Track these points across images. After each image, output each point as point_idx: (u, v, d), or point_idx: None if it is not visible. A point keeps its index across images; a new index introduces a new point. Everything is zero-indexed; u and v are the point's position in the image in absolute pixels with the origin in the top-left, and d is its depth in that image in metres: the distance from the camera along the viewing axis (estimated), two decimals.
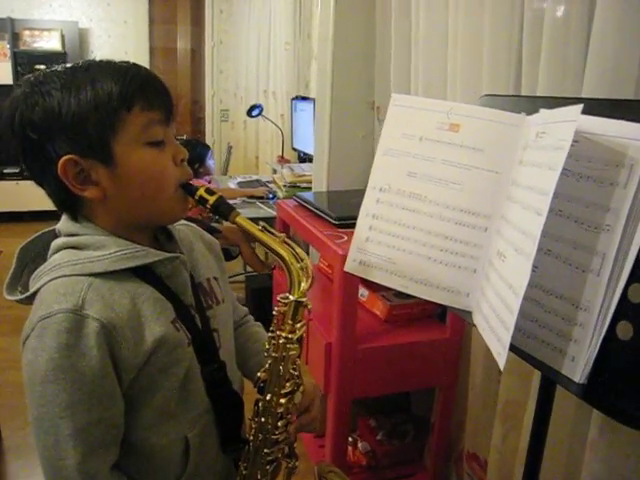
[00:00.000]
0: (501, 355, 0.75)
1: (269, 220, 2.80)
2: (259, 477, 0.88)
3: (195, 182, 3.05)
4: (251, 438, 0.88)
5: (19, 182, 5.16)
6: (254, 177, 3.91)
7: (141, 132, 0.77)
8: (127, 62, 0.81)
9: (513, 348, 0.85)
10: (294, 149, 3.81)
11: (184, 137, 5.69)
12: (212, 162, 3.49)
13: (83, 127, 0.75)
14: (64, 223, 0.84)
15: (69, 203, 0.81)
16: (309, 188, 2.75)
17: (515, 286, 0.76)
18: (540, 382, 0.95)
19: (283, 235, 0.87)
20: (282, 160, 3.80)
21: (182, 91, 6.44)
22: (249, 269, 3.43)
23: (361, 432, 1.98)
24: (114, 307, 0.76)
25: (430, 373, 1.74)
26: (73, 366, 0.72)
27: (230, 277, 3.84)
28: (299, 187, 2.90)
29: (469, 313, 0.96)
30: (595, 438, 1.14)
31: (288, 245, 0.86)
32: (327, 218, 1.83)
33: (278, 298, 0.86)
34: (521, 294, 0.72)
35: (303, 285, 0.84)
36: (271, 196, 3.16)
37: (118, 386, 0.77)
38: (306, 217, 1.93)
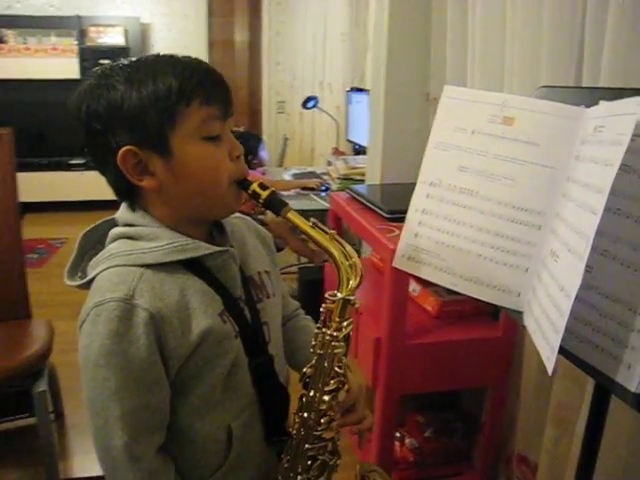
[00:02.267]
0: (550, 359, 0.72)
1: (322, 212, 2.81)
2: (300, 471, 0.88)
3: (249, 174, 3.04)
4: (294, 432, 0.88)
5: (84, 172, 5.35)
6: (309, 169, 3.92)
7: (198, 127, 0.79)
8: (189, 57, 0.82)
9: (566, 352, 0.82)
10: (349, 141, 3.79)
11: (241, 129, 5.75)
12: (265, 153, 3.52)
13: (143, 119, 0.77)
14: (122, 212, 0.86)
15: (127, 192, 0.84)
16: (362, 180, 2.73)
17: (567, 288, 0.73)
18: (594, 388, 0.91)
19: (334, 232, 0.86)
20: (337, 152, 3.79)
21: (240, 83, 6.51)
22: (302, 260, 3.44)
23: (409, 428, 1.96)
24: (163, 298, 0.79)
25: (481, 372, 1.70)
26: (122, 352, 0.75)
27: (282, 269, 3.86)
28: (352, 179, 2.89)
29: (520, 313, 0.93)
30: None
31: (338, 242, 0.85)
32: (379, 211, 1.81)
33: (326, 295, 0.85)
34: (572, 296, 0.69)
35: (351, 283, 0.83)
36: (324, 188, 3.16)
37: (164, 373, 0.79)
38: (358, 210, 1.92)
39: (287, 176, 3.66)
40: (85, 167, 5.37)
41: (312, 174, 3.64)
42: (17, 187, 2.02)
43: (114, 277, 0.78)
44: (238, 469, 0.88)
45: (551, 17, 1.35)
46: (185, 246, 0.82)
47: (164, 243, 0.81)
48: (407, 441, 1.88)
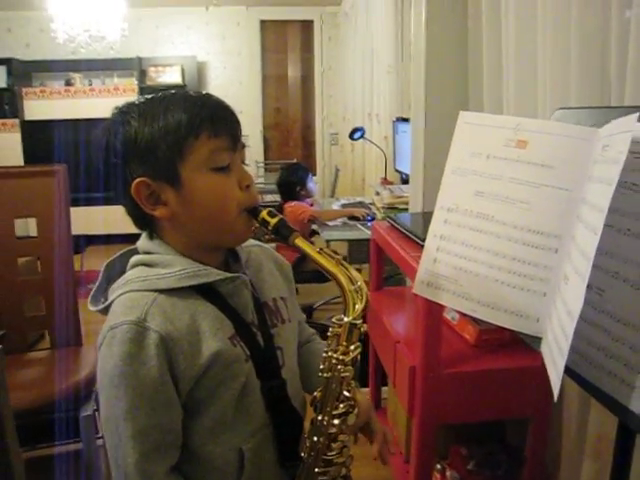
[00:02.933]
0: (556, 385, 0.71)
1: (365, 241, 2.81)
2: None
3: (297, 205, 3.18)
4: (305, 456, 0.89)
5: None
6: (357, 199, 3.95)
7: (207, 158, 0.83)
8: (200, 92, 0.87)
9: (580, 379, 0.79)
10: (397, 171, 3.80)
11: (294, 160, 5.86)
12: (313, 185, 3.57)
13: (154, 152, 0.81)
14: (142, 241, 0.91)
15: (144, 221, 0.89)
16: (406, 209, 2.73)
17: (572, 310, 0.71)
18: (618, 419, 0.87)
19: (340, 257, 0.87)
20: (385, 182, 3.81)
21: (294, 116, 6.66)
22: None
23: (452, 460, 1.91)
24: (174, 321, 0.82)
25: (521, 402, 1.64)
26: (135, 373, 0.78)
27: (332, 299, 3.85)
28: (397, 208, 2.89)
29: (539, 340, 0.91)
30: None
31: (344, 267, 0.86)
32: (416, 239, 1.81)
33: (333, 320, 0.86)
34: (576, 317, 0.68)
35: (357, 307, 0.84)
36: (370, 218, 3.17)
37: (176, 394, 0.82)
38: (397, 239, 1.92)
39: (336, 206, 3.70)
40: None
41: (360, 204, 3.66)
42: (70, 221, 2.13)
43: (128, 302, 0.82)
44: None
45: (579, 37, 1.34)
46: (197, 272, 0.85)
47: (177, 269, 0.84)
48: (448, 473, 1.83)
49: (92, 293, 0.92)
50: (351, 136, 3.88)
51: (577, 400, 1.46)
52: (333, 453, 0.87)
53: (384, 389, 2.35)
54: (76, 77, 5.74)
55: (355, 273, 0.85)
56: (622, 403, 0.72)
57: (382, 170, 4.00)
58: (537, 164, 0.92)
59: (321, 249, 0.87)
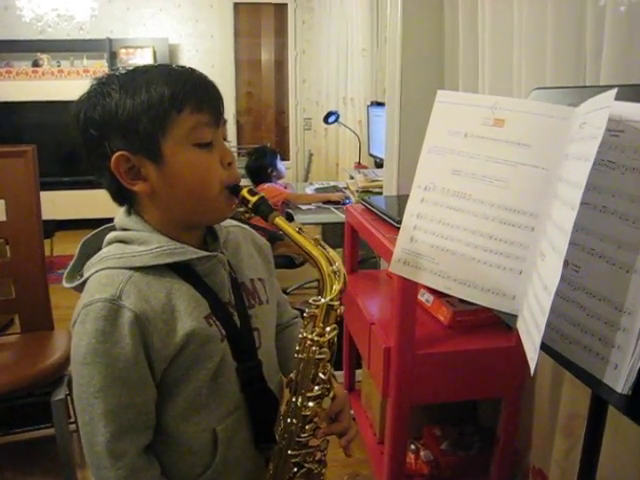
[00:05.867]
0: (533, 359, 0.71)
1: (340, 225, 2.81)
2: (285, 478, 0.88)
3: (271, 187, 3.15)
4: (278, 437, 0.88)
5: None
6: (331, 183, 3.95)
7: (190, 133, 0.80)
8: (183, 67, 0.84)
9: (556, 355, 0.80)
10: (371, 155, 3.80)
11: (267, 145, 5.81)
12: (282, 166, 3.56)
13: (136, 126, 0.79)
14: (119, 217, 0.89)
15: (122, 196, 0.87)
16: (381, 193, 2.73)
17: (549, 286, 0.71)
18: (591, 394, 0.89)
19: (318, 237, 0.87)
20: (359, 166, 3.81)
21: (267, 101, 6.60)
22: None
23: (425, 440, 1.93)
24: (149, 300, 0.80)
25: (494, 382, 1.66)
26: (108, 351, 0.77)
27: (305, 284, 3.86)
28: (371, 192, 2.90)
29: (515, 317, 0.92)
30: None
31: (322, 247, 0.85)
32: (390, 221, 1.81)
33: (310, 300, 0.86)
34: (552, 292, 0.68)
35: (335, 288, 0.83)
36: (347, 201, 3.17)
37: (150, 374, 0.81)
38: (371, 221, 1.92)
39: (309, 190, 3.69)
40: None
41: (334, 188, 3.66)
42: (40, 202, 2.08)
43: (103, 279, 0.80)
44: (226, 474, 0.89)
45: (555, 19, 1.34)
46: (173, 250, 0.83)
47: (153, 247, 0.82)
48: (422, 454, 1.85)
49: (67, 270, 0.89)
50: (325, 120, 3.87)
51: (549, 379, 1.49)
52: (306, 435, 0.86)
53: (358, 372, 2.36)
54: (44, 58, 5.57)
55: (333, 254, 0.84)
56: (597, 377, 0.73)
57: (356, 154, 4.00)
58: (514, 143, 0.93)
59: (300, 229, 0.86)
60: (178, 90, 0.79)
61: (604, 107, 0.67)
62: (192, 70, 0.84)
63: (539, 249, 0.85)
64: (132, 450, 0.80)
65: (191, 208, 0.85)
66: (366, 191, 2.89)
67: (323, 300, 0.83)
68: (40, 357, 1.92)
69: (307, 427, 0.86)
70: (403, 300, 1.53)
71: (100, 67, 5.59)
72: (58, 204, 5.13)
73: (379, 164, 3.59)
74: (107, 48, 5.62)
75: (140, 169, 0.81)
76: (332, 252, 0.85)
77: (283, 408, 0.90)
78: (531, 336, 0.75)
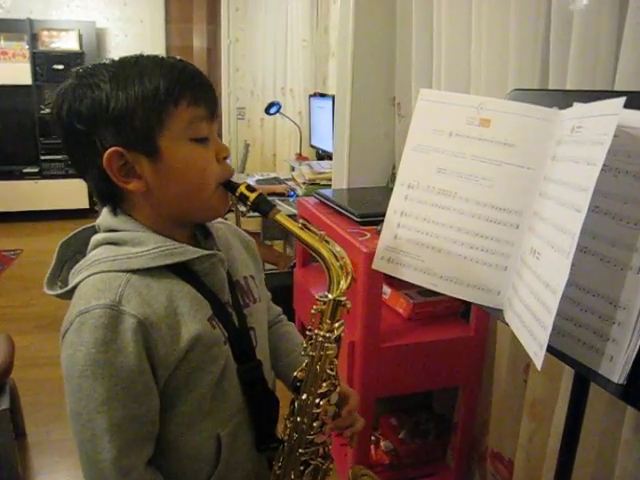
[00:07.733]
0: (538, 355, 0.74)
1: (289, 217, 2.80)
2: (293, 477, 0.88)
3: None
4: (286, 437, 0.87)
5: (38, 181, 5.21)
6: (272, 175, 3.91)
7: (186, 128, 0.77)
8: (174, 57, 0.80)
9: (548, 347, 0.84)
10: (312, 146, 3.80)
11: None
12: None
13: (130, 120, 0.75)
14: (104, 218, 0.84)
15: (111, 195, 0.82)
16: (329, 185, 2.74)
17: (552, 284, 0.74)
18: (573, 382, 0.94)
19: (323, 233, 0.85)
20: (300, 158, 3.80)
21: None
22: (267, 267, 3.43)
23: (383, 431, 1.97)
24: (151, 304, 0.76)
25: (454, 372, 1.72)
26: (110, 361, 0.73)
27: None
28: (319, 184, 2.90)
29: (500, 311, 0.95)
30: (629, 438, 1.11)
31: (328, 243, 0.84)
32: (350, 216, 1.82)
33: (317, 297, 0.85)
34: (560, 292, 0.71)
35: (342, 284, 0.83)
36: (292, 194, 3.16)
37: (154, 383, 0.77)
38: (328, 214, 1.93)
39: (251, 182, 3.64)
40: (40, 176, 5.24)
41: (276, 180, 3.63)
42: None
43: (99, 284, 0.76)
44: (228, 477, 0.87)
45: (517, 21, 1.39)
46: (172, 250, 0.80)
47: (150, 247, 0.79)
48: (382, 444, 1.89)
49: (47, 275, 0.84)
50: (267, 111, 3.82)
51: (508, 367, 1.55)
52: (314, 432, 0.86)
53: None
54: None
55: (339, 249, 0.84)
56: (593, 368, 0.77)
57: (296, 146, 3.98)
58: (499, 142, 0.95)
59: (304, 225, 0.84)
60: (173, 82, 0.75)
61: (609, 114, 0.70)
62: (185, 62, 0.80)
63: (528, 246, 0.88)
64: (139, 464, 0.77)
65: (186, 205, 0.82)
66: (313, 183, 2.89)
67: (330, 296, 0.82)
68: None
69: (315, 424, 0.85)
70: (369, 295, 1.55)
71: (20, 49, 5.27)
72: None
73: (321, 156, 3.59)
74: (27, 29, 5.29)
75: (134, 166, 0.77)
76: (338, 247, 0.84)
77: (288, 407, 0.89)
78: (532, 332, 0.78)
